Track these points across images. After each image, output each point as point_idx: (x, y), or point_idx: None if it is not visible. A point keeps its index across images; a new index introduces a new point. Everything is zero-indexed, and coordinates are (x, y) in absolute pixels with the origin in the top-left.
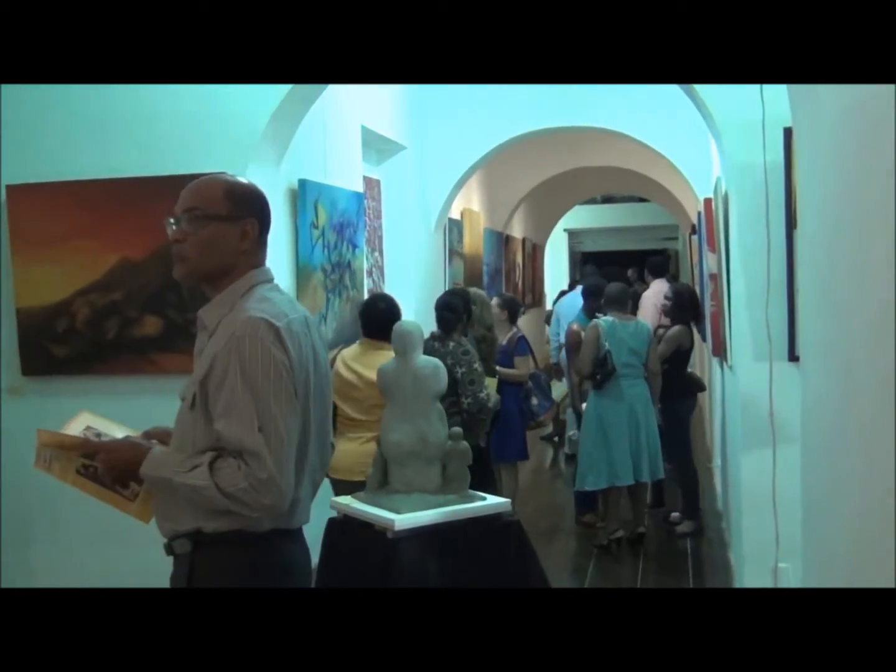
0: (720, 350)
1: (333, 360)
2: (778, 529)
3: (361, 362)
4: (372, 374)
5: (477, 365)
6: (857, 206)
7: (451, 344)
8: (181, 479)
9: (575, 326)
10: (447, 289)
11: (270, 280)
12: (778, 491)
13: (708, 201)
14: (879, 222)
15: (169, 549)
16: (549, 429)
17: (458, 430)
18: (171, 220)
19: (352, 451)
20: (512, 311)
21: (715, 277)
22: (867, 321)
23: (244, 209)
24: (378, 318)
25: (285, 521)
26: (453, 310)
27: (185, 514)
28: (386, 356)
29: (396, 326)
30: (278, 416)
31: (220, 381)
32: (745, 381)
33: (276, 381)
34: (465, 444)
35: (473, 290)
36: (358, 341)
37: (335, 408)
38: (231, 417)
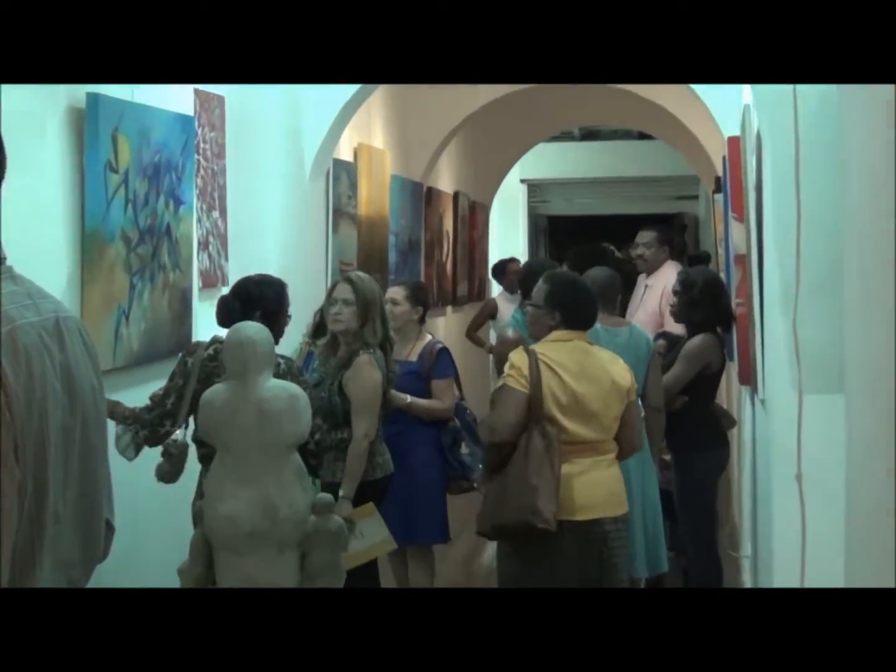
0: (749, 375)
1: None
2: None
3: (587, 363)
4: (607, 377)
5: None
6: None
7: (281, 360)
8: None
9: (510, 333)
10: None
11: None
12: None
13: (734, 142)
14: None
15: None
16: None
17: (325, 497)
18: None
19: (600, 481)
20: (424, 306)
21: (743, 261)
22: None
23: None
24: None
25: None
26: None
27: None
28: (603, 354)
29: (232, 334)
30: None
31: None
32: (782, 424)
33: None
34: (336, 520)
35: (357, 273)
36: (555, 335)
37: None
38: None
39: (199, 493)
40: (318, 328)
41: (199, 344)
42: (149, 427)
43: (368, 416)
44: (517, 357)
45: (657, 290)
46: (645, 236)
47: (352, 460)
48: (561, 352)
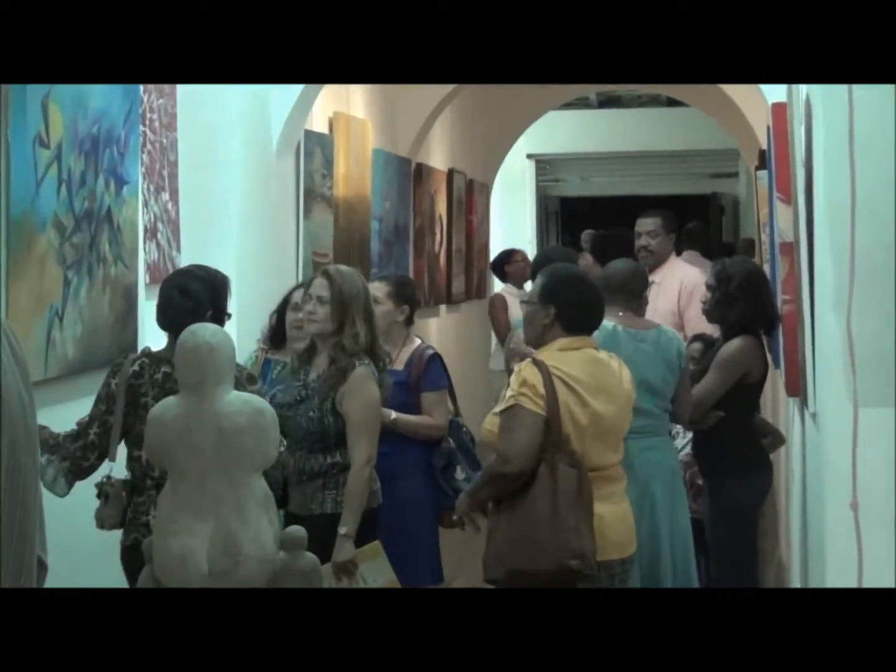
0: (797, 385)
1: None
2: None
3: (600, 375)
4: (622, 390)
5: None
6: None
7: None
8: None
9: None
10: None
11: None
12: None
13: (780, 110)
14: None
15: None
16: None
17: (296, 531)
18: None
19: (614, 516)
20: (410, 304)
21: (791, 250)
22: None
23: None
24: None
25: None
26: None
27: None
28: (612, 362)
29: (187, 337)
30: None
31: None
32: (836, 442)
33: None
34: (309, 557)
35: (337, 267)
36: (562, 343)
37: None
38: None
39: (131, 528)
40: (275, 334)
41: (126, 359)
42: (70, 459)
43: (370, 439)
44: (529, 373)
45: (670, 287)
46: (647, 224)
47: (353, 491)
48: (572, 363)
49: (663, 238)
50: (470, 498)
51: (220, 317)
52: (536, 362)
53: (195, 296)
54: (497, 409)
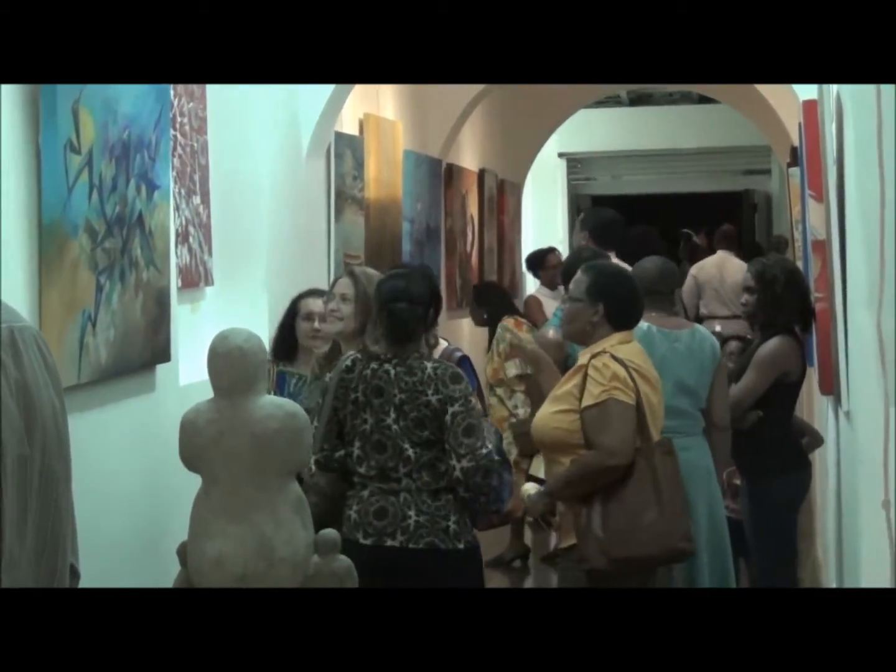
0: (831, 383)
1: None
2: None
3: (650, 366)
4: (658, 380)
5: (474, 400)
6: None
7: (427, 364)
8: None
9: (552, 334)
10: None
11: None
12: None
13: (811, 107)
14: None
15: None
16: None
17: (330, 534)
18: None
19: None
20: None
21: (822, 248)
22: None
23: None
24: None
25: None
26: (413, 300)
27: None
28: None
29: (218, 342)
30: None
31: None
32: (870, 440)
33: None
34: (343, 560)
35: (363, 268)
36: (618, 336)
37: None
38: None
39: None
40: (285, 345)
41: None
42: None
43: None
44: (615, 366)
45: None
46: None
47: None
48: (635, 355)
49: (577, 233)
50: (550, 497)
51: (437, 310)
52: (614, 357)
53: (420, 299)
54: (557, 407)
